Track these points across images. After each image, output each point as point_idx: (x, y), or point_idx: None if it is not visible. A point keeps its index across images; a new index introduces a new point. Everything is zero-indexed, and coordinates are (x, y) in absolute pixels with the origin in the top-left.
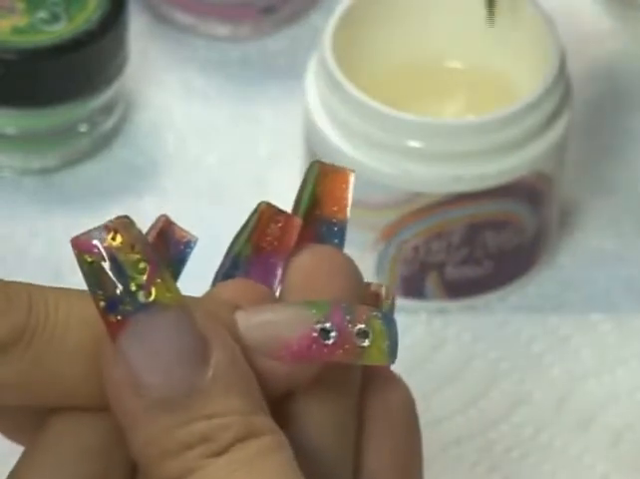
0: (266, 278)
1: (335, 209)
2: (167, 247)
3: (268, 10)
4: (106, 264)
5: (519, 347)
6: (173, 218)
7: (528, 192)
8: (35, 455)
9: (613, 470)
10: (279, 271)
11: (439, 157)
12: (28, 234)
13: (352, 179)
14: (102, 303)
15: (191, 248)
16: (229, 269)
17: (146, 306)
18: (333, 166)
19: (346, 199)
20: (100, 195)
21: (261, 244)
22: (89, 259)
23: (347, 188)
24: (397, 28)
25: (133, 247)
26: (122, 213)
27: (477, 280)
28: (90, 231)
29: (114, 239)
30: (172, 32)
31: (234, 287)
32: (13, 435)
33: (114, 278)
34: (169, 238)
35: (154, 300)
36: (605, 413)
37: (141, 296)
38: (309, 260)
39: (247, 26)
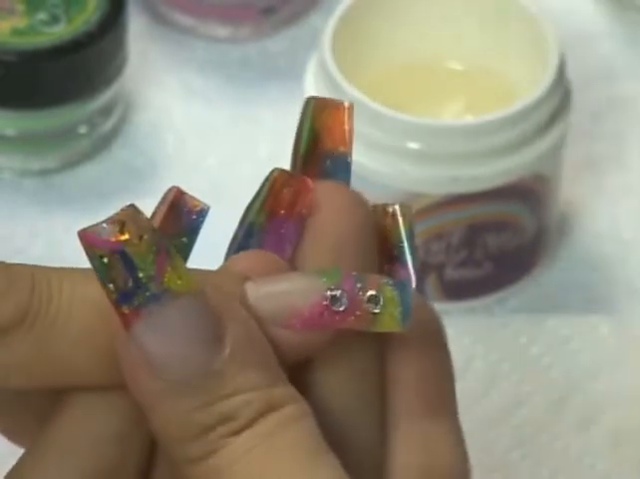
0: (281, 245)
1: (336, 141)
2: (180, 218)
3: (268, 11)
4: (115, 258)
5: (519, 349)
6: None
7: (527, 193)
8: (48, 443)
9: (613, 471)
10: (294, 237)
11: (437, 158)
12: (28, 234)
13: (349, 111)
14: (113, 296)
15: (204, 217)
16: (243, 239)
17: (157, 296)
18: (329, 99)
19: (345, 131)
20: (99, 196)
21: (275, 210)
22: (98, 254)
23: (345, 120)
24: (396, 29)
25: (141, 238)
26: (120, 210)
27: (476, 282)
28: (98, 224)
29: (122, 231)
30: (172, 33)
31: (246, 259)
32: (13, 436)
33: (124, 271)
34: (182, 208)
35: (165, 290)
36: (605, 414)
37: (152, 287)
38: (316, 198)
39: (247, 27)
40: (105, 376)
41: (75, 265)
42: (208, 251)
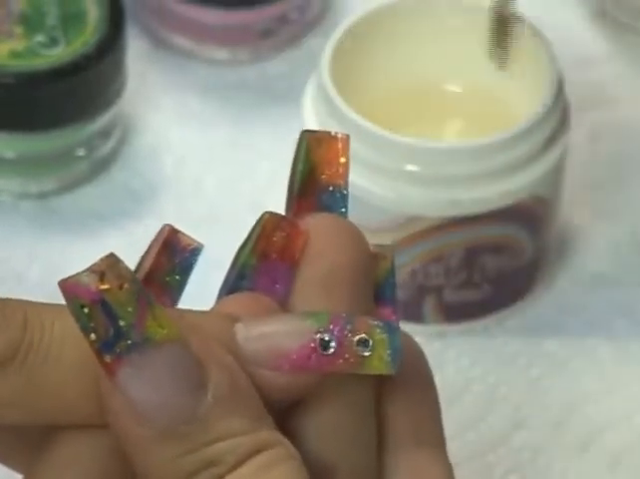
0: (273, 287)
1: (331, 174)
2: (174, 256)
3: (266, 34)
4: (96, 307)
5: (518, 371)
6: None
7: (526, 215)
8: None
9: None
10: (286, 279)
11: (436, 180)
12: (26, 257)
13: (343, 143)
14: (95, 345)
15: (197, 256)
16: (235, 281)
17: (139, 345)
18: (324, 132)
19: (340, 163)
20: (98, 219)
21: (267, 253)
22: (79, 303)
23: (340, 152)
24: (395, 51)
25: (121, 287)
26: (120, 236)
27: (475, 304)
28: (77, 274)
29: (102, 281)
30: (171, 56)
31: (237, 301)
32: (6, 460)
33: (105, 320)
34: (175, 246)
35: (147, 339)
36: (604, 437)
37: (133, 336)
38: (310, 229)
39: (245, 50)
40: (93, 414)
41: None
42: (207, 274)
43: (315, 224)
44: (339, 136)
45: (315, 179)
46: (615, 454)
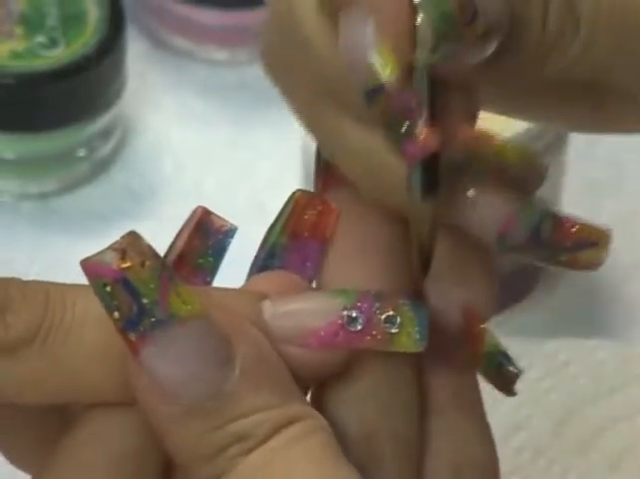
0: (304, 266)
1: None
2: (207, 238)
3: None
4: (118, 285)
5: None
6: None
7: None
8: (64, 459)
9: None
10: (318, 258)
11: None
12: (27, 258)
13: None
14: (119, 323)
15: (231, 237)
16: (265, 260)
17: (163, 322)
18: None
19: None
20: (98, 219)
21: (298, 232)
22: (101, 282)
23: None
24: None
25: (143, 265)
26: (120, 237)
27: None
28: (99, 253)
29: (123, 259)
30: (171, 57)
31: (267, 280)
32: (12, 455)
33: (128, 298)
34: (208, 228)
35: (171, 315)
36: (604, 438)
37: (157, 313)
38: (340, 199)
39: (245, 51)
40: (119, 392)
41: None
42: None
43: (344, 197)
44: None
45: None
46: (616, 455)
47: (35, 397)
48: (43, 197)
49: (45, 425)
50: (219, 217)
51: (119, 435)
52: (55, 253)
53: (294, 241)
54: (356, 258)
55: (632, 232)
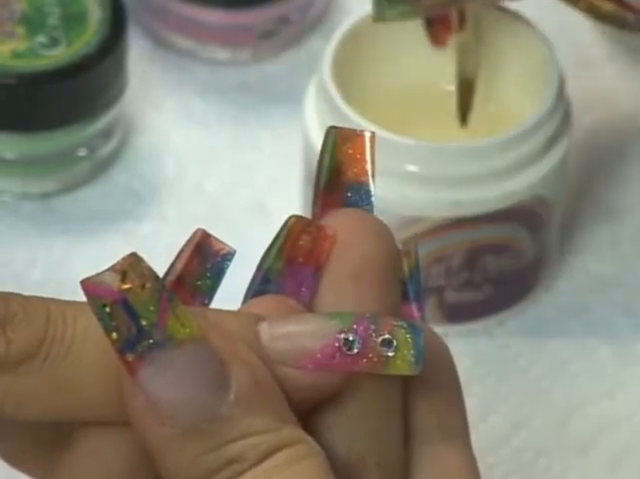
0: (299, 291)
1: (357, 171)
2: (205, 261)
3: (267, 35)
4: (118, 307)
5: (519, 372)
6: (172, 242)
7: (528, 216)
8: (62, 476)
9: None
10: (312, 282)
11: (437, 181)
12: (27, 258)
13: (369, 140)
14: (117, 345)
15: (230, 260)
16: (261, 285)
17: (160, 345)
18: (349, 129)
19: (366, 160)
20: (99, 219)
21: (293, 257)
22: (101, 303)
23: (365, 149)
24: (396, 52)
25: (143, 287)
26: (121, 237)
27: (476, 305)
28: (100, 274)
29: (124, 280)
30: (172, 56)
31: (263, 303)
32: (13, 460)
33: (127, 320)
34: (207, 250)
35: (168, 338)
36: (604, 438)
37: (155, 335)
38: (337, 224)
39: (247, 51)
40: (116, 411)
41: (73, 289)
42: None
43: (342, 219)
44: (365, 133)
45: (341, 175)
46: (616, 455)
47: (33, 413)
48: (43, 197)
49: (43, 431)
50: (218, 239)
51: (115, 452)
52: (55, 253)
53: (289, 267)
54: (350, 284)
55: (634, 228)
